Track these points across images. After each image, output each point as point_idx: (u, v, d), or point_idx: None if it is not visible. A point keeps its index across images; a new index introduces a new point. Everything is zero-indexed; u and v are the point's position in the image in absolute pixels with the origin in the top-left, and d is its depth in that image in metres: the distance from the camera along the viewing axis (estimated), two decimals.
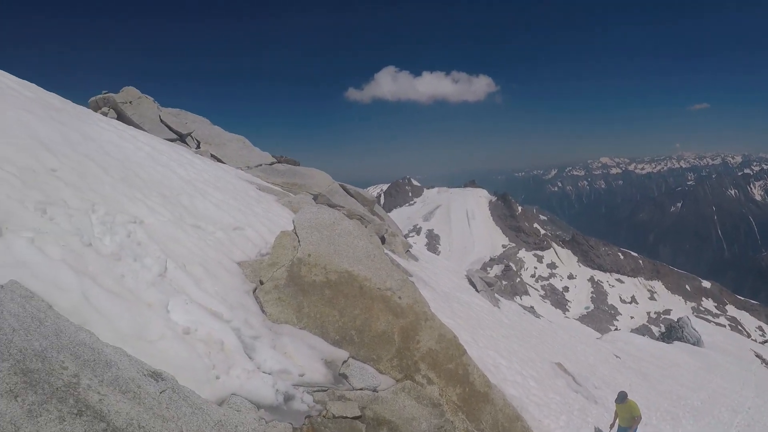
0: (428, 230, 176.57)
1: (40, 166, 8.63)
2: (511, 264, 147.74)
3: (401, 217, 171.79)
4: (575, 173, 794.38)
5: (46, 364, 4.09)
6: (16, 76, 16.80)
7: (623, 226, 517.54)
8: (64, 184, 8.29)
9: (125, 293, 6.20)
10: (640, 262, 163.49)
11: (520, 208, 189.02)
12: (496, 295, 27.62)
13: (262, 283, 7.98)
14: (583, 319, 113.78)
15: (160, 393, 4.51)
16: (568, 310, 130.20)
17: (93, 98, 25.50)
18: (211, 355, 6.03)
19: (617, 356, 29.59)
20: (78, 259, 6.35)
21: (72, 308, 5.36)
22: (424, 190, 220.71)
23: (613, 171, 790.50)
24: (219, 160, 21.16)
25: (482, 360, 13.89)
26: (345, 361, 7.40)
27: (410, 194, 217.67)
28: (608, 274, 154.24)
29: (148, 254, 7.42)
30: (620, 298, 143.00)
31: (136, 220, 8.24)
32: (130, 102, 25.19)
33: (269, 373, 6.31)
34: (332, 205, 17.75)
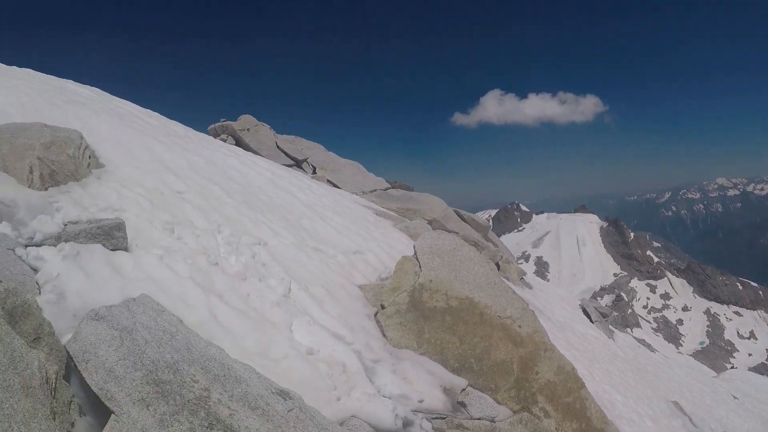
0: (537, 257, 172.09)
1: (167, 188, 8.94)
2: (622, 294, 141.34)
3: (510, 243, 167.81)
4: (690, 196, 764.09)
5: (177, 376, 4.15)
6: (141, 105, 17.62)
7: (743, 253, 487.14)
8: (191, 206, 8.56)
9: (250, 312, 6.28)
10: (761, 293, 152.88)
11: (632, 235, 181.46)
12: (610, 326, 26.87)
13: (383, 307, 7.92)
14: (697, 355, 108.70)
15: (288, 411, 4.50)
16: (682, 345, 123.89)
17: (212, 126, 26.28)
18: (333, 376, 6.02)
19: (735, 397, 28.14)
20: (205, 277, 6.53)
21: (198, 324, 5.47)
22: (533, 215, 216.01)
23: (731, 192, 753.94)
24: (335, 186, 21.37)
25: (597, 395, 13.45)
26: (464, 389, 7.25)
27: (519, 220, 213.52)
28: (726, 306, 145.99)
29: (272, 275, 7.54)
30: (738, 332, 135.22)
31: (260, 242, 8.42)
32: (248, 129, 25.76)
33: (389, 398, 6.24)
34: (447, 231, 17.60)
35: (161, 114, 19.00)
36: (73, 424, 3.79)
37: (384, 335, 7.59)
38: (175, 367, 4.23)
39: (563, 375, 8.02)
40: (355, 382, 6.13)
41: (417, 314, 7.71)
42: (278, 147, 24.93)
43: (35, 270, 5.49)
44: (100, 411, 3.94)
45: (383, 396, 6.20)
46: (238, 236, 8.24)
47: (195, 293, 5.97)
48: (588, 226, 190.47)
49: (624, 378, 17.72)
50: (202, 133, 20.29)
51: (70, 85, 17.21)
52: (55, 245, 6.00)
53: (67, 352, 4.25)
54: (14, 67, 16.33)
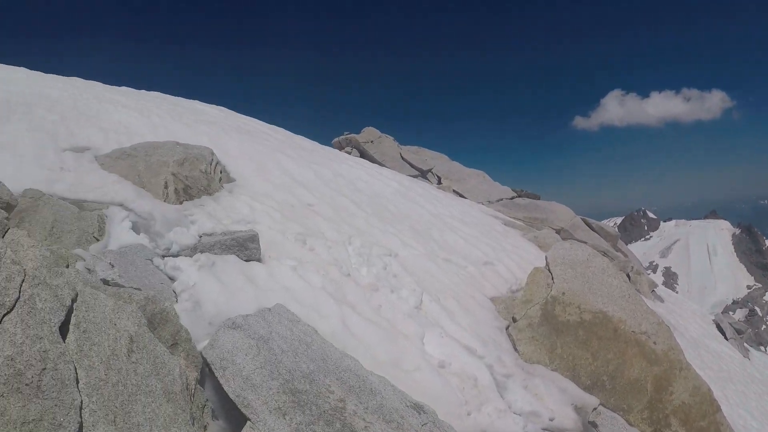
0: (665, 267, 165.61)
1: (297, 201, 9.10)
2: (756, 308, 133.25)
3: (636, 252, 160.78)
4: None
5: (313, 387, 4.15)
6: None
7: None
8: (321, 217, 8.67)
9: (382, 323, 6.25)
10: None
11: (767, 242, 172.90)
12: (745, 344, 25.63)
13: (515, 320, 7.75)
14: None
15: (422, 426, 4.42)
16: None
17: (336, 139, 26.72)
18: (464, 390, 5.90)
19: None
20: (337, 288, 6.58)
21: (331, 334, 5.48)
22: (661, 222, 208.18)
23: None
24: (461, 195, 21.26)
25: (731, 419, 12.75)
26: (595, 409, 6.98)
27: (646, 228, 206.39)
28: None
29: (403, 286, 7.50)
30: None
31: (391, 253, 8.41)
32: (371, 141, 26.03)
33: (519, 414, 6.06)
34: (576, 241, 17.09)
35: (285, 129, 19.55)
36: (205, 428, 3.85)
37: (515, 349, 7.42)
38: (311, 377, 4.24)
39: (698, 397, 7.62)
40: (486, 397, 5.99)
41: (549, 328, 7.50)
42: (402, 158, 25.06)
43: (172, 279, 5.67)
44: (233, 416, 4.00)
45: (514, 413, 6.03)
46: (369, 247, 8.27)
47: (328, 304, 6.01)
48: (719, 233, 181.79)
49: (760, 402, 16.85)
50: (327, 147, 20.68)
51: (197, 105, 18.02)
52: (191, 256, 6.18)
53: (203, 358, 4.33)
54: (143, 91, 17.30)
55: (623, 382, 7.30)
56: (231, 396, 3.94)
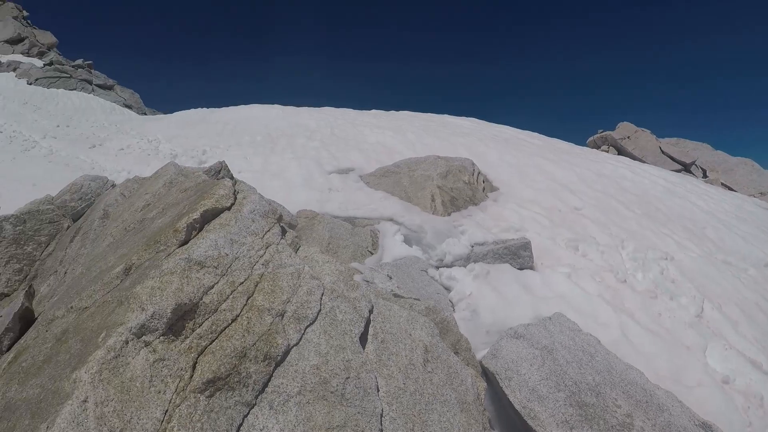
0: None
1: (564, 205, 9.01)
2: None
3: None
4: None
5: (600, 400, 4.09)
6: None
7: None
8: (590, 221, 8.51)
9: (662, 333, 5.99)
10: None
11: None
12: None
13: None
14: None
15: None
16: None
17: (591, 138, 26.30)
18: (749, 410, 5.50)
19: None
20: (614, 295, 6.42)
21: (610, 343, 5.34)
22: None
23: None
24: (729, 188, 20.06)
25: None
26: None
27: None
28: None
29: (682, 292, 7.13)
30: None
31: (667, 256, 8.03)
32: (628, 137, 25.31)
33: None
34: None
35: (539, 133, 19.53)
36: None
37: None
38: (597, 389, 4.17)
39: None
40: None
41: None
42: (662, 151, 24.08)
43: (447, 289, 5.84)
44: (511, 427, 4.07)
45: None
46: (644, 251, 7.97)
47: (605, 312, 5.89)
48: None
49: None
50: (583, 147, 20.43)
51: (448, 118, 18.48)
52: (464, 266, 6.32)
53: (482, 367, 4.40)
54: (392, 111, 18.42)
55: None
56: (516, 407, 3.97)
